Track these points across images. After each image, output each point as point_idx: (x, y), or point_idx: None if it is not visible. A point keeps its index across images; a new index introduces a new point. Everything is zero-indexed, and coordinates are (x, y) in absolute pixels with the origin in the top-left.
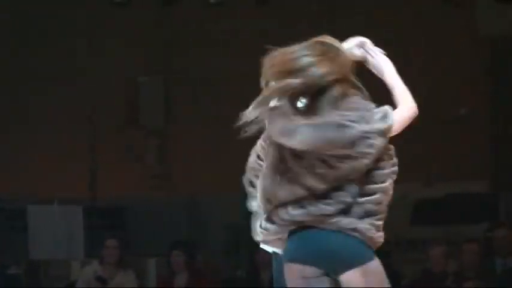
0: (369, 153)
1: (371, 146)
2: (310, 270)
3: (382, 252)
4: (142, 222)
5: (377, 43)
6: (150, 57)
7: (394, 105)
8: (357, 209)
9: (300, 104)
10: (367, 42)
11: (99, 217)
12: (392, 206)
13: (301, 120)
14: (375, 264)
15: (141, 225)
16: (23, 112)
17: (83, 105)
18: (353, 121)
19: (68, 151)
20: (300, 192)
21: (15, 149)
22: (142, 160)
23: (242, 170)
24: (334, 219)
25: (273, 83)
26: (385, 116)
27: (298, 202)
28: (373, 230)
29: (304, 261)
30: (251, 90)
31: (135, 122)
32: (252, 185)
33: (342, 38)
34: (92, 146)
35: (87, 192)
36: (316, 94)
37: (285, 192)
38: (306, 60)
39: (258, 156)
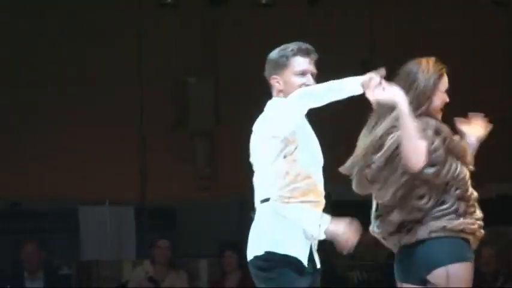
0: None
1: None
2: None
3: None
4: (192, 223)
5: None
6: (199, 58)
7: None
8: None
9: None
10: (375, 79)
11: (150, 218)
12: None
13: None
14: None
15: (191, 226)
16: (74, 113)
17: (132, 107)
18: None
19: (119, 152)
20: None
21: (67, 149)
22: (191, 161)
23: None
24: None
25: None
26: None
27: None
28: None
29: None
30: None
31: (184, 124)
32: None
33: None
34: (142, 147)
35: (137, 193)
36: None
37: None
38: None
39: None
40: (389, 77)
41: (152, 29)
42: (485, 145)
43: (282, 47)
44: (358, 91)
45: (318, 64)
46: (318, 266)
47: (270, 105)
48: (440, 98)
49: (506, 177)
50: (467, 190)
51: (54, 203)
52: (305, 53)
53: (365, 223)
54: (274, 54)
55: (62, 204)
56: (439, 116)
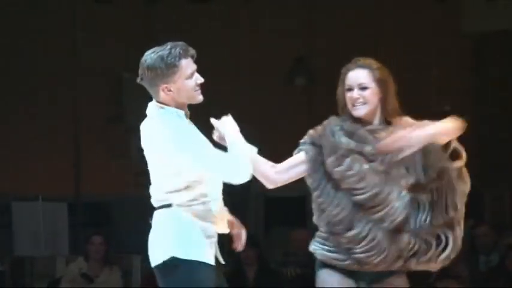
0: None
1: None
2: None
3: None
4: (126, 219)
5: (365, 39)
6: (133, 53)
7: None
8: None
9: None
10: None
11: (83, 214)
12: None
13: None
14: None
15: (125, 222)
16: (6, 107)
17: (66, 101)
18: None
19: (52, 148)
20: None
21: (0, 144)
22: (125, 157)
23: None
24: None
25: None
26: None
27: None
28: None
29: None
30: (233, 86)
31: (119, 119)
32: None
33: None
34: (76, 143)
35: (71, 188)
36: None
37: None
38: None
39: None
40: (326, 74)
41: (88, 21)
42: None
43: (160, 52)
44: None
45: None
46: (222, 261)
47: (161, 114)
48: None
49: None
50: None
51: None
52: (187, 53)
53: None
54: (157, 61)
55: None
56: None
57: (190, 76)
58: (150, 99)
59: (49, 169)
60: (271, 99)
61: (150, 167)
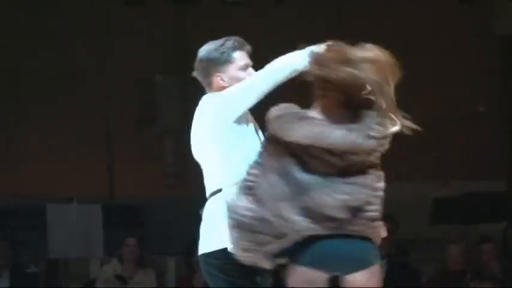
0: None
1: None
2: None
3: (401, 251)
4: (160, 221)
5: (395, 40)
6: (167, 56)
7: None
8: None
9: None
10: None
11: (117, 216)
12: (411, 205)
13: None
14: (379, 266)
15: (159, 224)
16: (42, 111)
17: (101, 105)
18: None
19: (87, 150)
20: None
21: (36, 148)
22: (159, 159)
23: None
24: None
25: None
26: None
27: None
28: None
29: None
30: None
31: (152, 122)
32: None
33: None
34: (110, 145)
35: (105, 191)
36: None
37: None
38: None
39: None
40: None
41: (120, 25)
42: (455, 143)
43: (215, 44)
44: (302, 65)
45: (252, 56)
46: None
47: (207, 99)
48: None
49: (473, 175)
50: None
51: (21, 200)
52: (242, 46)
53: None
54: (211, 52)
55: (30, 202)
56: None
57: (243, 68)
58: (183, 101)
59: (83, 171)
60: (299, 99)
61: (201, 158)
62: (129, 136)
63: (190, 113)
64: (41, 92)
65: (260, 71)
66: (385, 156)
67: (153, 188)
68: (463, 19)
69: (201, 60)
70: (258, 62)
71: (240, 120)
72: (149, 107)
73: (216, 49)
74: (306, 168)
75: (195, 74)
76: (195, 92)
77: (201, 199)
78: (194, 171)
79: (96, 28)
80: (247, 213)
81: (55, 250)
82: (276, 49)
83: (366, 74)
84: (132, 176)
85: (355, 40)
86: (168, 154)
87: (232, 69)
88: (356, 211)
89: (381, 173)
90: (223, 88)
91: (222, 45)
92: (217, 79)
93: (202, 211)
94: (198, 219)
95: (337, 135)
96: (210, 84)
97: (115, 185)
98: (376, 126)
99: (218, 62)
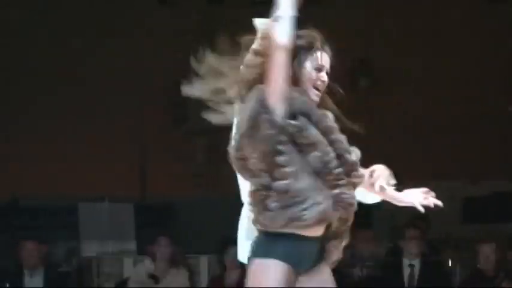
0: None
1: None
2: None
3: (434, 251)
4: (192, 220)
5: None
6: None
7: None
8: None
9: None
10: None
11: (149, 215)
12: (443, 204)
13: None
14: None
15: (191, 223)
16: (74, 111)
17: (133, 105)
18: None
19: (118, 149)
20: None
21: (68, 147)
22: (191, 159)
23: None
24: None
25: None
26: None
27: None
28: None
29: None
30: None
31: (183, 121)
32: None
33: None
34: (142, 145)
35: (137, 190)
36: None
37: None
38: None
39: None
40: (389, 75)
41: (151, 26)
42: (481, 143)
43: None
44: None
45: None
46: None
47: None
48: None
49: (503, 174)
50: None
51: (53, 199)
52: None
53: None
54: None
55: (62, 201)
56: None
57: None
58: None
59: (115, 171)
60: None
61: None
62: (161, 136)
63: None
64: (74, 92)
65: None
66: (416, 157)
67: (185, 187)
68: (494, 18)
69: None
70: None
71: None
72: (181, 107)
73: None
74: None
75: None
76: None
77: (232, 198)
78: (225, 171)
79: (128, 28)
80: None
81: (87, 249)
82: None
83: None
84: (164, 175)
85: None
86: (199, 154)
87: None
88: None
89: None
90: None
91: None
92: None
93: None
94: (230, 218)
95: None
96: None
97: (147, 184)
98: None
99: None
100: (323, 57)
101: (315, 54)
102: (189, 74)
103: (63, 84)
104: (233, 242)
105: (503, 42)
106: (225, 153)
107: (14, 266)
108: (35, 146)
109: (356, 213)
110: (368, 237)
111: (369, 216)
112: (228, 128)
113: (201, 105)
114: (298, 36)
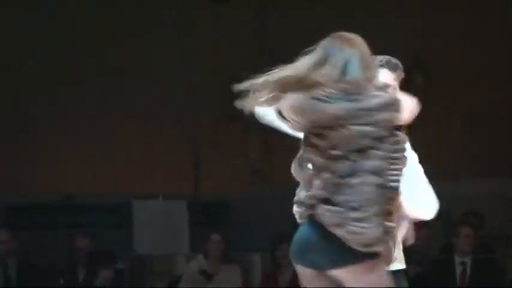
0: None
1: None
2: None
3: (487, 248)
4: (245, 217)
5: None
6: (254, 52)
7: None
8: None
9: None
10: None
11: (203, 212)
12: (493, 202)
13: None
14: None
15: (244, 220)
16: (128, 107)
17: (187, 102)
18: None
19: (172, 147)
20: None
21: (121, 144)
22: (245, 155)
23: None
24: None
25: None
26: None
27: None
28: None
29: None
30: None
31: (237, 117)
32: None
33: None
34: (196, 142)
35: (191, 187)
36: None
37: None
38: None
39: None
40: (444, 73)
41: (204, 21)
42: None
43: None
44: None
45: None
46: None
47: None
48: None
49: None
50: None
51: (107, 197)
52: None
53: None
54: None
55: (116, 198)
56: None
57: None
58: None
59: (169, 168)
60: None
61: None
62: (214, 133)
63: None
64: (124, 89)
65: None
66: (471, 152)
67: (239, 185)
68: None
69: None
70: None
71: None
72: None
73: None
74: None
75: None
76: None
77: (285, 195)
78: (279, 168)
79: (179, 25)
80: None
81: (141, 246)
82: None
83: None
84: (218, 173)
85: None
86: (253, 151)
87: None
88: None
89: None
90: None
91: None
92: None
93: None
94: (283, 215)
95: None
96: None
97: (200, 182)
98: None
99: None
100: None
101: None
102: (243, 72)
103: (117, 82)
104: (286, 238)
105: None
106: (280, 150)
107: (68, 262)
108: (90, 145)
109: None
110: (422, 235)
111: None
112: None
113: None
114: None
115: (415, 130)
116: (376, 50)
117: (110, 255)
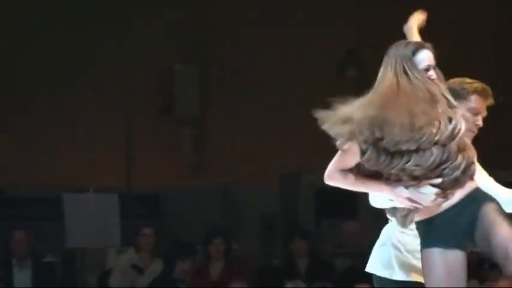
0: None
1: None
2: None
3: None
4: (177, 211)
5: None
6: (185, 46)
7: None
8: None
9: None
10: None
11: (134, 205)
12: None
13: None
14: None
15: (176, 214)
16: (59, 101)
17: (119, 95)
18: None
19: (104, 139)
20: None
21: (52, 137)
22: (177, 149)
23: (275, 160)
24: None
25: None
26: None
27: None
28: None
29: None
30: (283, 79)
31: (170, 111)
32: None
33: None
34: (128, 135)
35: (123, 180)
36: None
37: None
38: None
39: None
40: (376, 66)
41: (140, 16)
42: None
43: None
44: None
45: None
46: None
47: None
48: None
49: None
50: None
51: (38, 190)
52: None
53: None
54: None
55: (47, 192)
56: None
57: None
58: (201, 91)
59: (100, 161)
60: (323, 90)
61: None
62: (147, 126)
63: (208, 101)
64: (59, 82)
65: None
66: None
67: (171, 178)
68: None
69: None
70: (279, 50)
71: None
72: (167, 96)
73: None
74: None
75: None
76: (214, 81)
77: (217, 188)
78: (211, 161)
79: (116, 19)
80: None
81: (72, 240)
82: (299, 39)
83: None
84: (150, 166)
85: None
86: (185, 144)
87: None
88: None
89: None
90: None
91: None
92: None
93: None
94: (216, 208)
95: None
96: None
97: (132, 175)
98: None
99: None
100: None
101: None
102: (177, 63)
103: (48, 76)
104: (220, 231)
105: (488, 34)
106: (212, 142)
107: (2, 256)
108: (19, 137)
109: (341, 205)
110: (354, 228)
111: (355, 207)
112: (214, 117)
113: (188, 94)
114: None
115: None
116: (309, 44)
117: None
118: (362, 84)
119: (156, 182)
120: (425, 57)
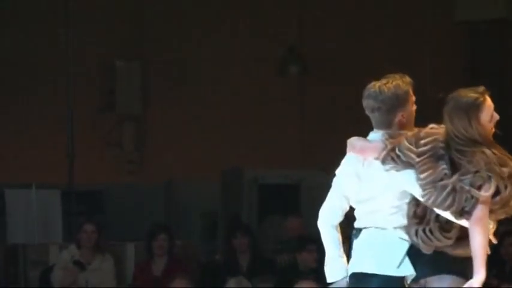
0: None
1: None
2: None
3: None
4: (119, 207)
5: (358, 29)
6: (126, 42)
7: None
8: None
9: None
10: None
11: (77, 201)
12: None
13: None
14: None
15: (118, 210)
16: (0, 99)
17: (61, 90)
18: None
19: (46, 136)
20: None
21: None
22: (119, 145)
23: (217, 156)
24: None
25: None
26: None
27: None
28: None
29: None
30: (225, 76)
31: (111, 107)
32: None
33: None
34: (69, 131)
35: (64, 176)
36: None
37: None
38: None
39: None
40: (315, 62)
41: (79, 10)
42: None
43: (393, 83)
44: None
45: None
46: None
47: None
48: None
49: None
50: None
51: None
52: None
53: (292, 208)
54: (397, 90)
55: None
56: None
57: (412, 104)
58: (143, 88)
59: (42, 157)
60: (265, 87)
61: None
62: (89, 122)
63: (150, 98)
64: (0, 80)
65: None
66: None
67: (113, 174)
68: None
69: (387, 97)
70: (222, 47)
71: None
72: (109, 92)
73: (399, 88)
74: None
75: (370, 112)
76: (155, 77)
77: (159, 185)
78: (153, 157)
79: (57, 15)
80: None
81: (14, 236)
82: (240, 36)
83: None
84: (92, 162)
85: None
86: (127, 140)
87: (410, 106)
88: None
89: None
90: (402, 125)
91: (402, 84)
92: (400, 116)
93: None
94: (158, 204)
95: None
96: (391, 121)
97: (74, 171)
98: None
99: (403, 100)
100: None
101: None
102: (118, 59)
103: None
104: (164, 228)
105: (428, 31)
106: (154, 139)
107: None
108: None
109: (284, 201)
110: (296, 225)
111: (296, 202)
112: (156, 114)
113: (130, 91)
114: None
115: (293, 120)
116: (250, 41)
117: None
118: (304, 81)
119: (98, 179)
120: None
